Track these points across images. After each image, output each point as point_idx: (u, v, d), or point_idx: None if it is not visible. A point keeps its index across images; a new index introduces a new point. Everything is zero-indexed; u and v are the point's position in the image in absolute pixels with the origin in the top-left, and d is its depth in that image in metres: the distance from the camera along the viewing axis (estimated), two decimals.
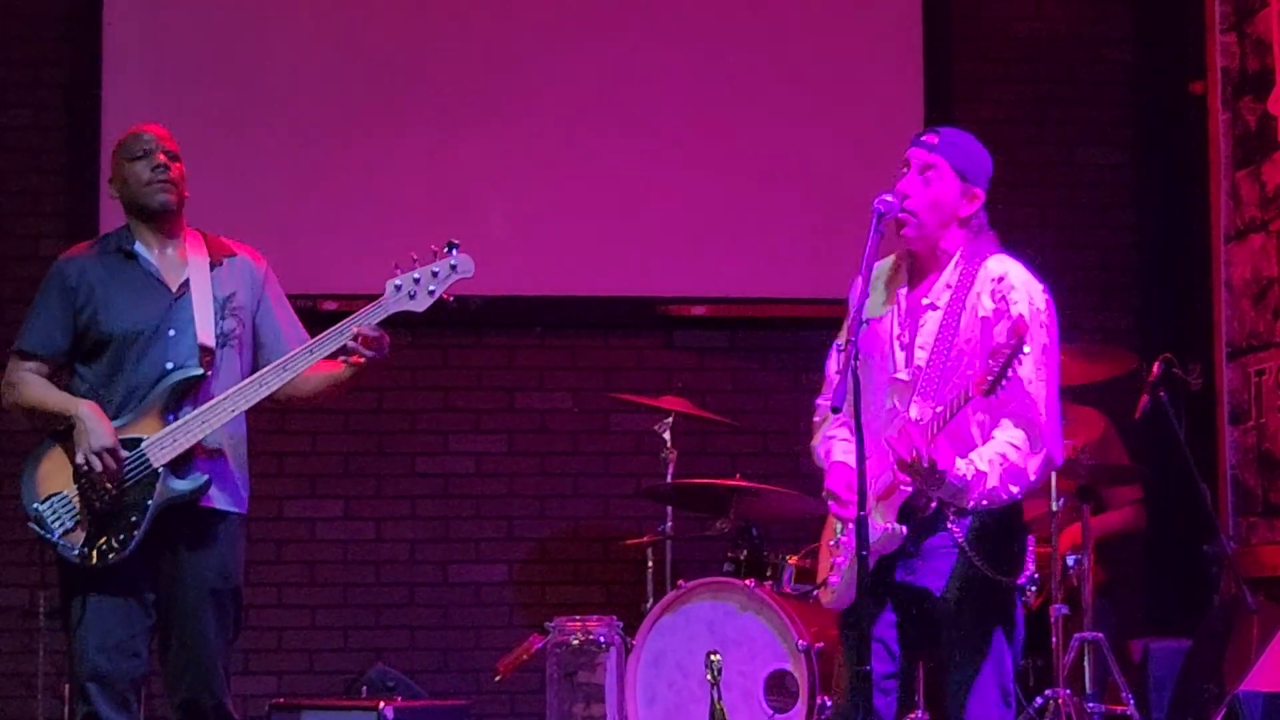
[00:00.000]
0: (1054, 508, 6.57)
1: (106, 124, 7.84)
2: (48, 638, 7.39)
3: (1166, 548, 7.97)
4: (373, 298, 5.30)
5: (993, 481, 4.73)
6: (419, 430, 8.12)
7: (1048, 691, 6.45)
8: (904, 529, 4.81)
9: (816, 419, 5.18)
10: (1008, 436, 4.80)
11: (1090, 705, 6.55)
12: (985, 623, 4.89)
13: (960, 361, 4.85)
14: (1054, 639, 6.51)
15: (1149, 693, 6.85)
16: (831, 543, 5.04)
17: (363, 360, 5.29)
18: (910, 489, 4.80)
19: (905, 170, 4.96)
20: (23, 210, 7.95)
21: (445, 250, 5.26)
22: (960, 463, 4.72)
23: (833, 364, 5.14)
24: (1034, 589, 6.78)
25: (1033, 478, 4.82)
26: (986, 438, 4.83)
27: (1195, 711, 6.52)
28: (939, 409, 4.74)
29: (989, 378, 4.58)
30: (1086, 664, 6.63)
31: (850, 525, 4.86)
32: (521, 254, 8.00)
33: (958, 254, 4.94)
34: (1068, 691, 6.43)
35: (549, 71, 8.17)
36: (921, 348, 4.90)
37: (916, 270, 5.00)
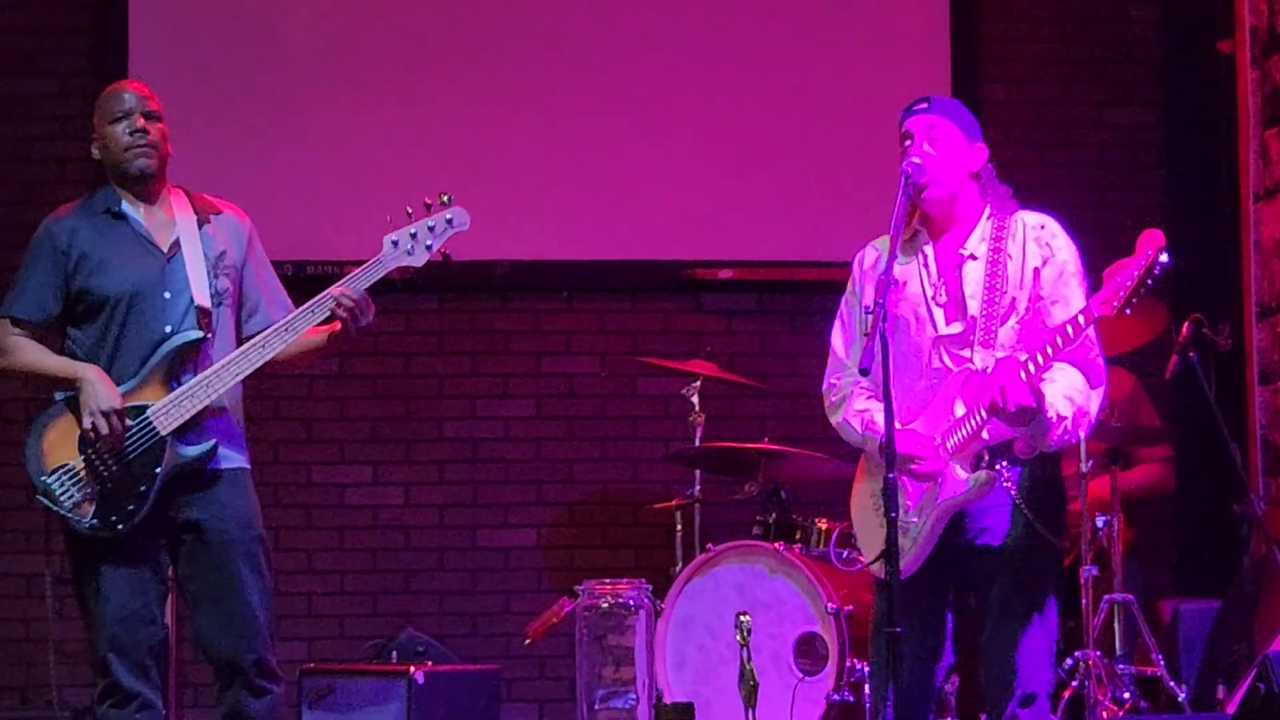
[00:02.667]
0: (1083, 468, 6.57)
1: None
2: (57, 605, 7.46)
3: (1196, 509, 7.96)
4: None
5: (1069, 423, 4.80)
6: (446, 395, 8.12)
7: (1077, 653, 6.46)
8: (995, 473, 4.82)
9: (835, 399, 5.15)
10: (1069, 378, 4.84)
11: (1120, 666, 6.55)
12: (1040, 580, 4.93)
13: (1013, 309, 4.89)
14: (1084, 600, 6.51)
15: (1179, 654, 6.84)
16: (890, 512, 4.98)
17: (340, 327, 5.21)
18: (989, 439, 4.82)
19: (909, 140, 5.00)
20: (49, 177, 7.95)
21: (440, 203, 5.21)
22: (1049, 400, 4.75)
23: (837, 339, 5.19)
24: (1064, 550, 6.82)
25: (1093, 418, 4.91)
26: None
27: (1226, 672, 6.52)
28: (1031, 351, 4.77)
29: (1122, 295, 4.60)
30: (1116, 625, 6.63)
31: (907, 491, 4.89)
32: (547, 218, 8.00)
33: (986, 208, 5.00)
34: (1098, 653, 6.43)
35: (574, 34, 8.16)
36: (971, 297, 4.92)
37: (934, 231, 5.03)
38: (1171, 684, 6.54)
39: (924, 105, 5.04)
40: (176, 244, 5.28)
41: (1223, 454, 6.80)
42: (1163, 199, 8.36)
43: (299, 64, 8.04)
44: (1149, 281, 4.59)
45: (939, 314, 4.95)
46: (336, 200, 7.82)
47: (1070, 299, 4.90)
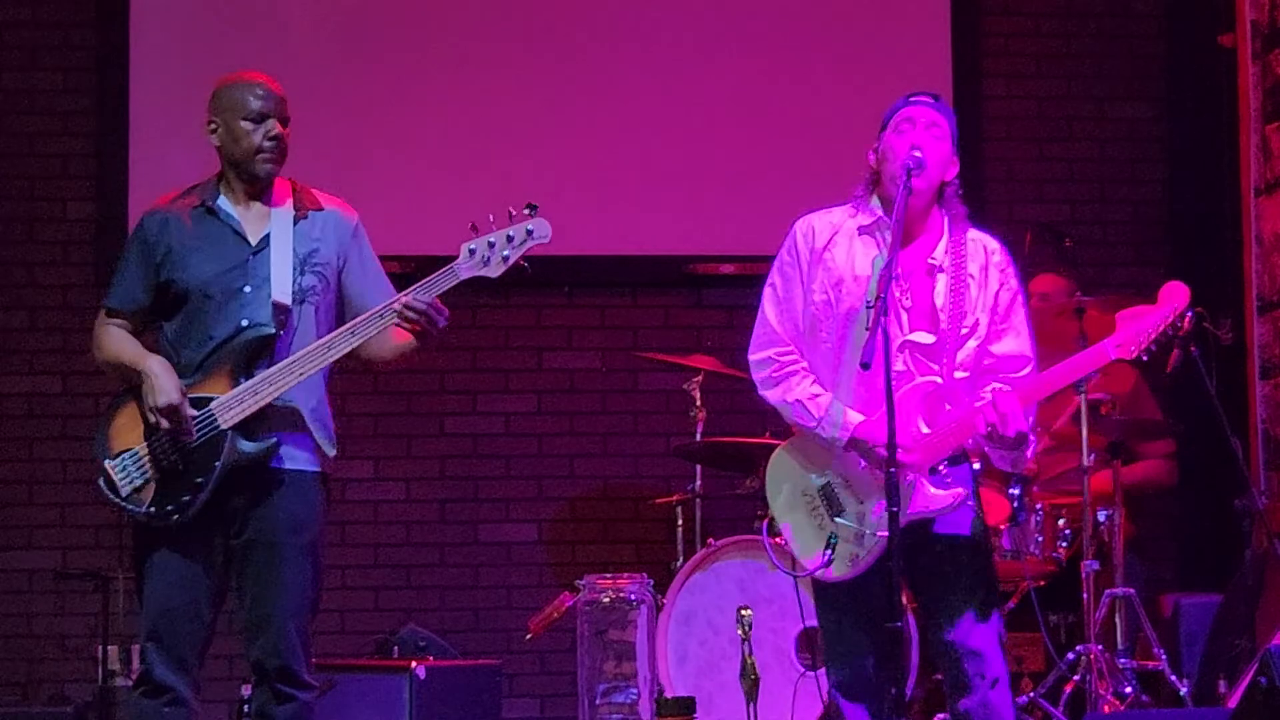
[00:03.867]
0: (1085, 463, 6.57)
1: (134, 88, 7.85)
2: (59, 601, 7.49)
3: (1197, 503, 7.96)
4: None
5: (1035, 448, 4.92)
6: (448, 390, 8.13)
7: (1079, 647, 6.46)
8: (962, 491, 4.90)
9: (774, 374, 5.08)
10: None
11: (1122, 661, 6.55)
12: (989, 568, 5.05)
13: (974, 332, 4.96)
14: (1085, 595, 6.51)
15: (1180, 648, 6.84)
16: (833, 514, 5.00)
17: (416, 331, 5.15)
18: (951, 451, 4.92)
19: (908, 124, 5.01)
20: (52, 173, 7.97)
21: (524, 213, 5.12)
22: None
23: (771, 308, 5.15)
24: (1065, 545, 6.82)
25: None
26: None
27: (1227, 666, 6.51)
28: (1031, 384, 4.91)
29: (1142, 342, 4.82)
30: (1118, 619, 6.64)
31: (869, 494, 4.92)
32: (549, 213, 7.89)
33: (947, 220, 5.04)
34: (1099, 647, 6.44)
35: (579, 30, 8.17)
36: (942, 310, 4.95)
37: (904, 233, 4.99)
38: (1173, 678, 6.54)
39: (931, 100, 5.06)
40: (266, 238, 5.22)
41: (1224, 448, 6.78)
42: (1164, 193, 8.37)
43: (299, 62, 8.01)
44: (1170, 333, 4.84)
45: (903, 316, 4.95)
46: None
47: (1020, 328, 5.02)
